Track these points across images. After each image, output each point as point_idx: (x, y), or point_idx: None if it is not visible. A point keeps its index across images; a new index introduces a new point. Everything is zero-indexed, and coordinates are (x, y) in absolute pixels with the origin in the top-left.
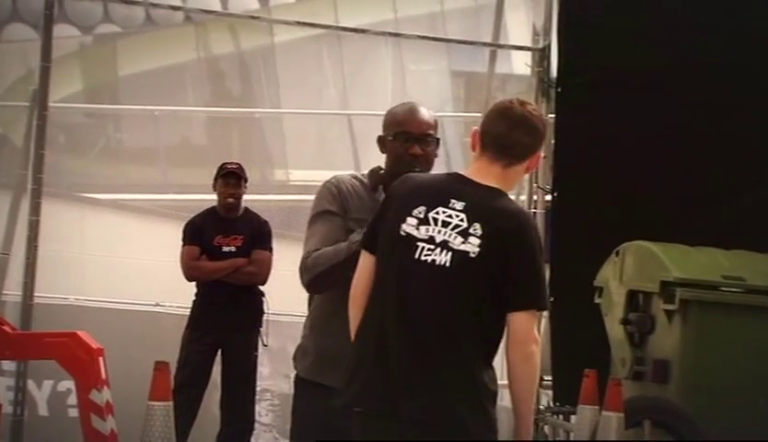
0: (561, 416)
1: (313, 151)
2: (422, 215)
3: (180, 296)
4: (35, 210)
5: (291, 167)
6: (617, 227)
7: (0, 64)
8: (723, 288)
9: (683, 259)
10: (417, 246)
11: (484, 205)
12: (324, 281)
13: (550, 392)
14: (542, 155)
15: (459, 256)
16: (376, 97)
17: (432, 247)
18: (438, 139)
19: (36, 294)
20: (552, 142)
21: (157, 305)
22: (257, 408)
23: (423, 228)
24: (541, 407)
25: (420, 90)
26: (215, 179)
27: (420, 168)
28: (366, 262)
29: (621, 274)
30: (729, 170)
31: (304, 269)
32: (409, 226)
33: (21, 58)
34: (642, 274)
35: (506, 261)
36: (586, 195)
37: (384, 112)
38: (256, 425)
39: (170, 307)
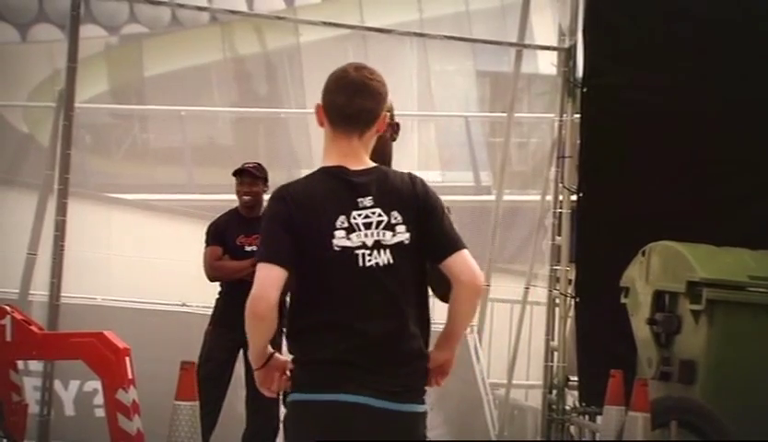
0: (587, 417)
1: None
2: (346, 225)
3: (207, 295)
4: (61, 210)
5: (317, 166)
6: (643, 227)
7: (27, 65)
8: (749, 288)
9: (710, 259)
10: (356, 254)
11: (386, 190)
12: None
13: (576, 393)
14: (387, 113)
15: (398, 248)
16: (401, 97)
17: (368, 251)
18: (390, 123)
19: (63, 294)
20: (578, 142)
21: (184, 305)
22: (282, 408)
23: (353, 236)
24: (567, 407)
25: (445, 90)
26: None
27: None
28: (276, 276)
29: (647, 275)
30: (756, 171)
31: None
32: (339, 239)
33: (48, 59)
34: (668, 275)
35: (425, 224)
36: (611, 195)
37: (410, 112)
38: (281, 425)
39: (197, 307)
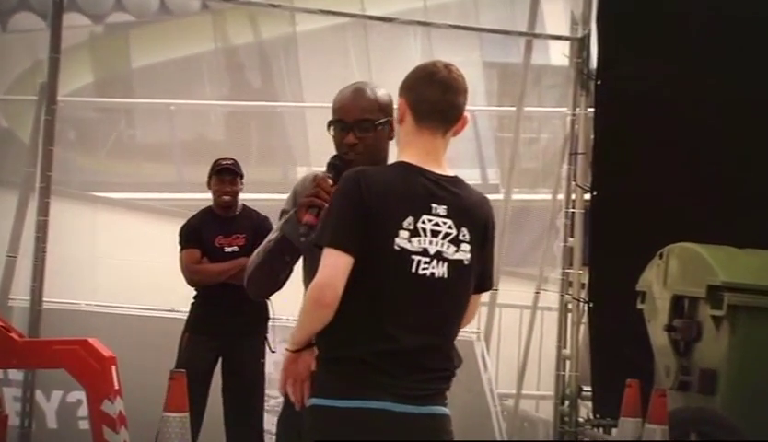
0: (601, 429)
1: None
2: (411, 227)
3: None
4: (43, 210)
5: (314, 164)
6: (660, 228)
7: (6, 56)
8: None
9: (731, 261)
10: (412, 260)
11: (463, 205)
12: (254, 284)
13: (589, 404)
14: (468, 115)
15: (456, 265)
16: None
17: (427, 259)
18: (385, 121)
19: (45, 299)
20: (592, 137)
21: (173, 310)
22: (269, 417)
23: (415, 240)
24: (581, 419)
25: None
26: (209, 176)
27: (356, 157)
28: (344, 263)
29: (665, 278)
30: None
31: None
32: (402, 239)
33: (29, 49)
34: (687, 278)
35: (484, 252)
36: (627, 194)
37: None
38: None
39: (187, 312)
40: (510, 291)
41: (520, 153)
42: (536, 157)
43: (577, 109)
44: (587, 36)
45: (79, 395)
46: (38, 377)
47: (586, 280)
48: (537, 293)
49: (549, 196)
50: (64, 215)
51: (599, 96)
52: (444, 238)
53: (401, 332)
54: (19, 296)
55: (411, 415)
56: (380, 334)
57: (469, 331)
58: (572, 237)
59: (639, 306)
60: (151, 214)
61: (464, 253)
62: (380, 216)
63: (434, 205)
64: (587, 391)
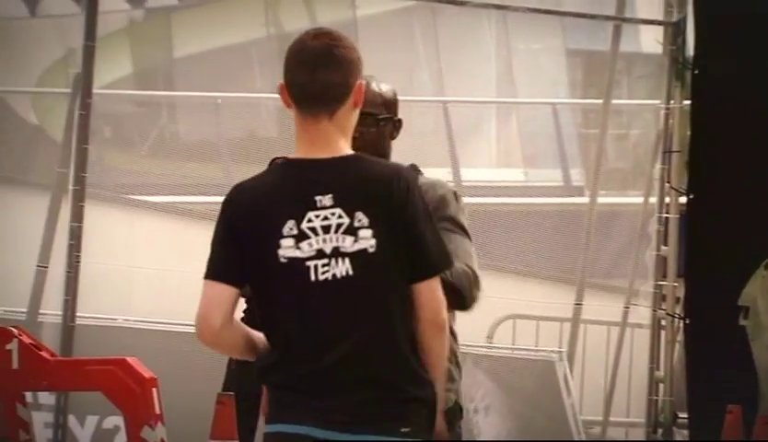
0: None
1: (402, 144)
2: (295, 232)
3: None
4: (77, 215)
5: None
6: (765, 235)
7: (36, 44)
8: None
9: None
10: (308, 267)
11: (353, 186)
12: None
13: (685, 432)
14: (362, 82)
15: (359, 257)
16: (477, 81)
17: (325, 261)
18: (388, 118)
19: (78, 314)
20: (688, 133)
21: None
22: None
23: (304, 245)
24: None
25: (529, 73)
26: None
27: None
28: (220, 295)
29: None
30: None
31: None
32: (287, 248)
33: (61, 36)
34: None
35: (403, 233)
36: (727, 197)
37: (487, 99)
38: None
39: None
40: (596, 306)
41: (608, 151)
42: (625, 156)
43: (672, 101)
44: (683, 20)
45: (116, 420)
46: (71, 400)
47: (681, 293)
48: (626, 308)
49: (640, 199)
50: (100, 220)
51: (695, 87)
52: (337, 230)
53: (317, 349)
54: (50, 310)
55: None
56: (297, 356)
57: (550, 351)
58: (665, 245)
59: (741, 322)
60: (195, 219)
61: (365, 241)
62: (255, 232)
63: (318, 198)
64: (683, 418)
